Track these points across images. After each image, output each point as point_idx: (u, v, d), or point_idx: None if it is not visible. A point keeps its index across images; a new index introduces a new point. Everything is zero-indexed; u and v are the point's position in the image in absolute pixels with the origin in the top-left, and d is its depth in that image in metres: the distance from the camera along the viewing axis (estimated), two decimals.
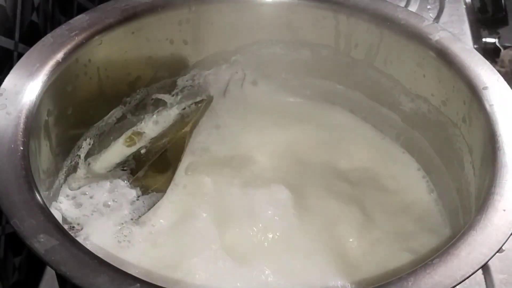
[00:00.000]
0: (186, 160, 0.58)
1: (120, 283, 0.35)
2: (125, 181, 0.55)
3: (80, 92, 0.53)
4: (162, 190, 0.55)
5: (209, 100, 0.64)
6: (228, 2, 0.58)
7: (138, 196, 0.54)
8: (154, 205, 0.53)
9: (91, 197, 0.53)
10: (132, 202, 0.53)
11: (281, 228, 0.52)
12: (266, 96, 0.65)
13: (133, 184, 0.55)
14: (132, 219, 0.52)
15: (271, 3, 0.59)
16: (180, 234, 0.51)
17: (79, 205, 0.52)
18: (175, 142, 0.59)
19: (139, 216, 0.52)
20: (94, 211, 0.52)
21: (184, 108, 0.63)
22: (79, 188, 0.54)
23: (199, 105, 0.63)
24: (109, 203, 0.53)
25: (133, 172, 0.56)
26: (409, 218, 0.55)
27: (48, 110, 0.48)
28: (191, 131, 0.60)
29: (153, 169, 0.57)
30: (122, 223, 0.51)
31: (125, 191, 0.54)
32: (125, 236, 0.50)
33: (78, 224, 0.51)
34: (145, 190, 0.54)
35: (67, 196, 0.53)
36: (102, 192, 0.53)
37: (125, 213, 0.52)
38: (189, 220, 0.52)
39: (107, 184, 0.54)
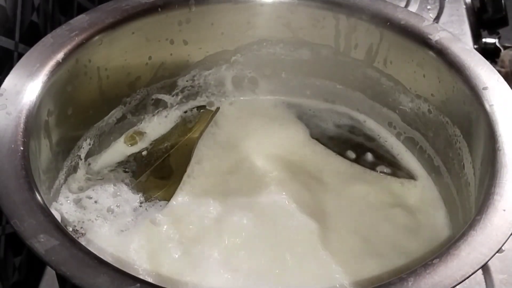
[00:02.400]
0: (188, 168, 0.58)
1: (120, 283, 0.35)
2: (128, 186, 0.55)
3: (80, 92, 0.53)
4: (165, 199, 0.54)
5: (215, 111, 0.63)
6: (228, 2, 0.58)
7: (141, 203, 0.54)
8: (156, 213, 0.53)
9: (95, 202, 0.53)
10: (135, 209, 0.53)
11: (281, 229, 0.52)
12: (266, 97, 0.65)
13: (135, 188, 0.55)
14: (134, 227, 0.51)
15: (271, 3, 0.59)
16: (182, 242, 0.51)
17: (83, 208, 0.52)
18: (178, 149, 0.59)
19: (141, 224, 0.52)
20: (99, 216, 0.52)
21: (186, 112, 0.63)
22: (79, 188, 0.54)
23: (201, 110, 0.63)
24: (113, 208, 0.53)
25: (135, 175, 0.56)
26: (408, 218, 0.55)
27: (48, 110, 0.48)
28: (196, 142, 0.59)
29: (155, 174, 0.57)
30: (123, 231, 0.51)
31: (129, 197, 0.54)
32: (126, 243, 0.50)
33: (82, 228, 0.51)
34: (148, 197, 0.54)
35: (69, 198, 0.53)
36: (106, 196, 0.53)
37: (128, 220, 0.52)
38: (192, 229, 0.52)
39: (111, 188, 0.54)
